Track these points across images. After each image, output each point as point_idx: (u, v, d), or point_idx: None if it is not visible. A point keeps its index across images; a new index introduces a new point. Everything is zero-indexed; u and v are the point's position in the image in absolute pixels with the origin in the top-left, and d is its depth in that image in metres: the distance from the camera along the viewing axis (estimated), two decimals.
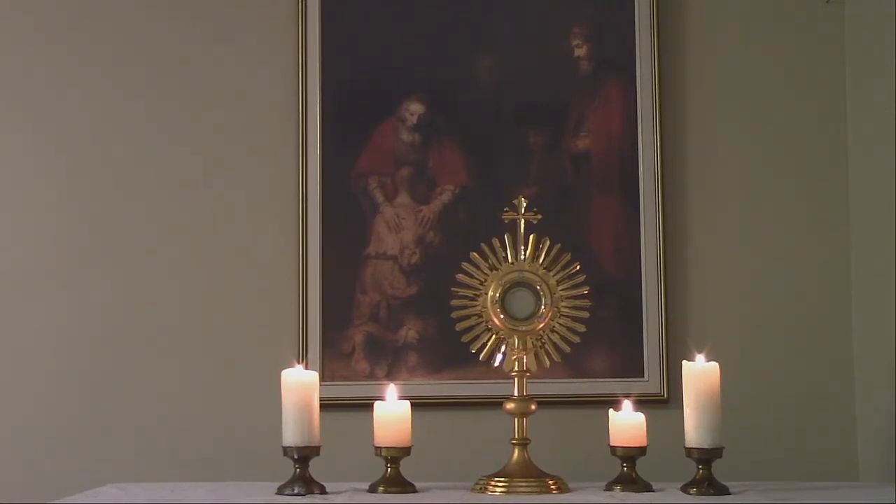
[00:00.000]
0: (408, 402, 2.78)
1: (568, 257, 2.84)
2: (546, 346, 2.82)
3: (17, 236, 3.51)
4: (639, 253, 3.46)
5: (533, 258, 2.84)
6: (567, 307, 2.82)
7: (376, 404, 2.78)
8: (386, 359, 3.46)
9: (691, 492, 2.71)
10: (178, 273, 3.49)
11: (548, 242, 2.85)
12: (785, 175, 3.52)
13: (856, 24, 3.49)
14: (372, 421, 2.76)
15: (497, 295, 2.81)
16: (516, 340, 2.81)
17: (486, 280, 2.83)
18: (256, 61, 3.55)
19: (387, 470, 2.75)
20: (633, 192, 3.48)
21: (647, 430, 2.82)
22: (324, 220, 3.47)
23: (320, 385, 2.78)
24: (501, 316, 2.80)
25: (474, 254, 2.85)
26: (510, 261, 2.84)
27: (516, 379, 2.81)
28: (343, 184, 3.50)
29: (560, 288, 2.82)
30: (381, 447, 2.74)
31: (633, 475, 2.80)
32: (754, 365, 3.42)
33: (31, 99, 3.55)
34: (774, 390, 3.45)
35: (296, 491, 2.68)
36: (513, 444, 2.80)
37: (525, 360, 2.80)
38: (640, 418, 2.84)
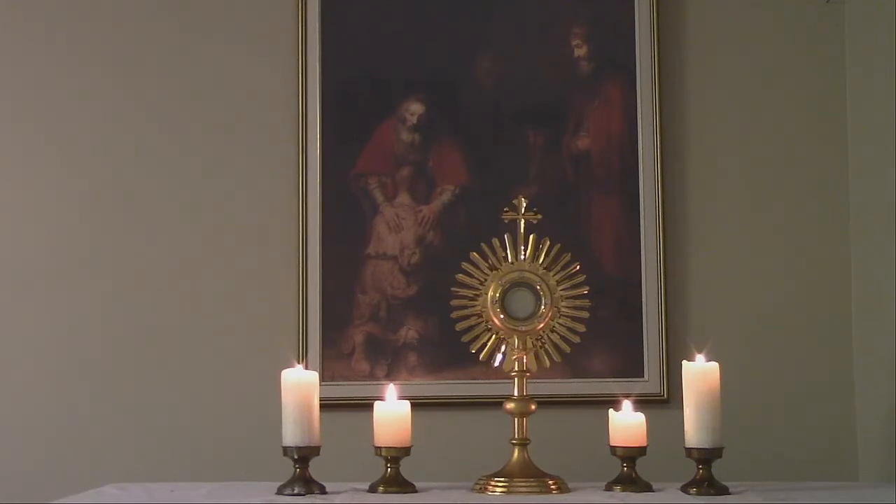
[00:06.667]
0: (408, 402, 2.78)
1: (568, 257, 2.84)
2: (546, 346, 2.82)
3: (18, 236, 3.50)
4: (639, 253, 3.46)
5: (533, 258, 2.84)
6: (567, 307, 2.82)
7: (376, 404, 2.78)
8: (386, 359, 3.46)
9: (691, 492, 2.71)
10: (177, 273, 3.49)
11: (548, 242, 2.85)
12: (785, 175, 3.52)
13: (856, 24, 3.49)
14: (372, 421, 2.76)
15: (497, 295, 2.81)
16: (516, 340, 2.80)
17: (486, 280, 2.83)
18: (256, 61, 3.55)
19: (387, 470, 2.75)
20: (633, 192, 3.48)
21: (647, 430, 2.82)
22: (324, 220, 3.47)
23: (320, 385, 2.78)
24: (501, 316, 2.80)
25: (474, 254, 2.85)
26: (510, 261, 2.84)
27: (516, 379, 2.81)
28: (343, 184, 3.50)
29: (560, 288, 2.82)
30: (381, 447, 2.74)
31: (633, 475, 2.80)
32: (754, 365, 3.42)
33: (31, 99, 3.55)
34: (774, 390, 3.44)
35: (296, 491, 2.68)
36: (513, 444, 2.80)
37: (525, 360, 2.80)
38: (640, 418, 2.84)
